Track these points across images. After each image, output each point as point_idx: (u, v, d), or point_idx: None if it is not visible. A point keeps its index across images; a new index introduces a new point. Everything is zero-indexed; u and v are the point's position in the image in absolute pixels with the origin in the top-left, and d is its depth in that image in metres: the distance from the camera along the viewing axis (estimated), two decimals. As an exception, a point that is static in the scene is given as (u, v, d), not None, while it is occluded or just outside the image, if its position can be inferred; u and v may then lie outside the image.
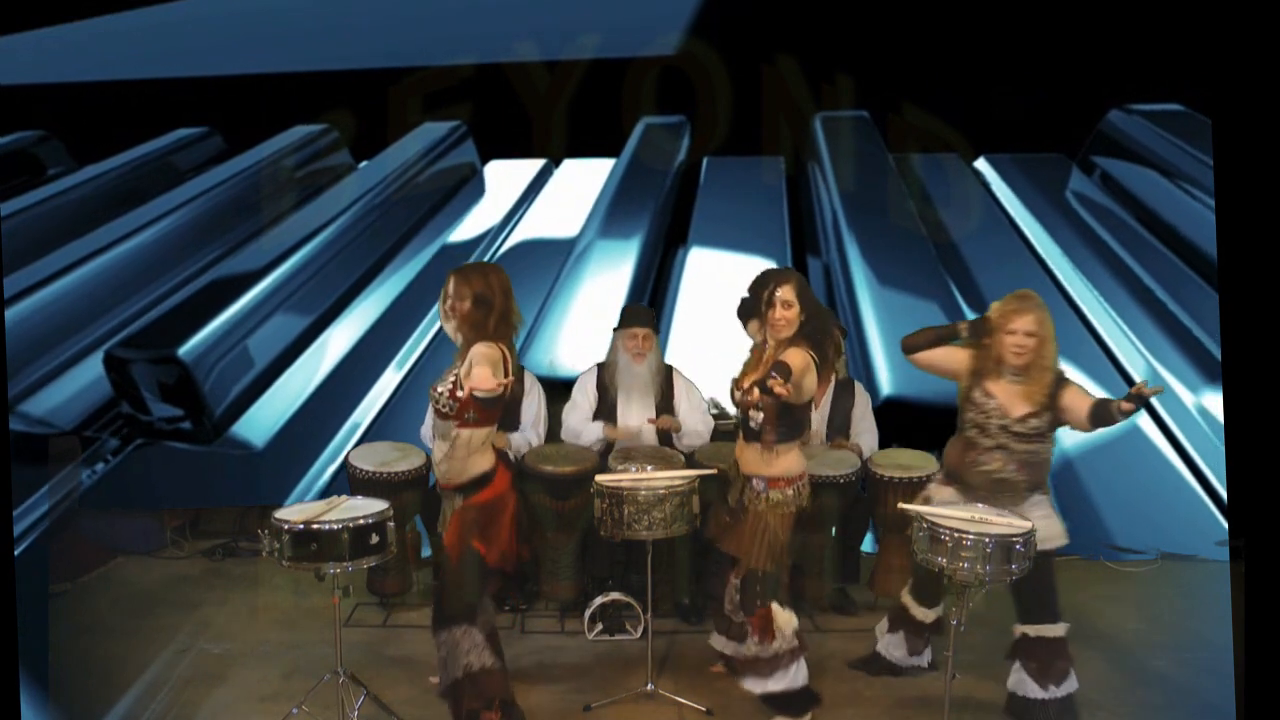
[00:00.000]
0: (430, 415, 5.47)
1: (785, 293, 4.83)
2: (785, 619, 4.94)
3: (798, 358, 4.73)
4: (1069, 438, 7.41)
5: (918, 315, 7.73)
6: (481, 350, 4.62)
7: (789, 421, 4.86)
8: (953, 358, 4.98)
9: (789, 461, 4.91)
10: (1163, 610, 6.36)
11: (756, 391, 4.66)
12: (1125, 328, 8.10)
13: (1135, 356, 7.90)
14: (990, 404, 4.86)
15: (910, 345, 5.01)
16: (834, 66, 7.63)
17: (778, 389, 4.47)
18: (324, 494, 6.90)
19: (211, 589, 6.73)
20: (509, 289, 4.78)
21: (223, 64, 8.47)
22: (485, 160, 9.52)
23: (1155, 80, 7.98)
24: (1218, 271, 4.57)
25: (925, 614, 5.33)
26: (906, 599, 5.41)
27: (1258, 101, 4.59)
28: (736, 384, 5.00)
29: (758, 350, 5.05)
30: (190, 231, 8.89)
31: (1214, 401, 7.39)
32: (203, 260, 8.71)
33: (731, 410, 6.80)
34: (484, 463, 4.78)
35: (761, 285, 4.91)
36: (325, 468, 7.65)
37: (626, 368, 6.25)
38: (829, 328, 5.02)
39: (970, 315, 8.03)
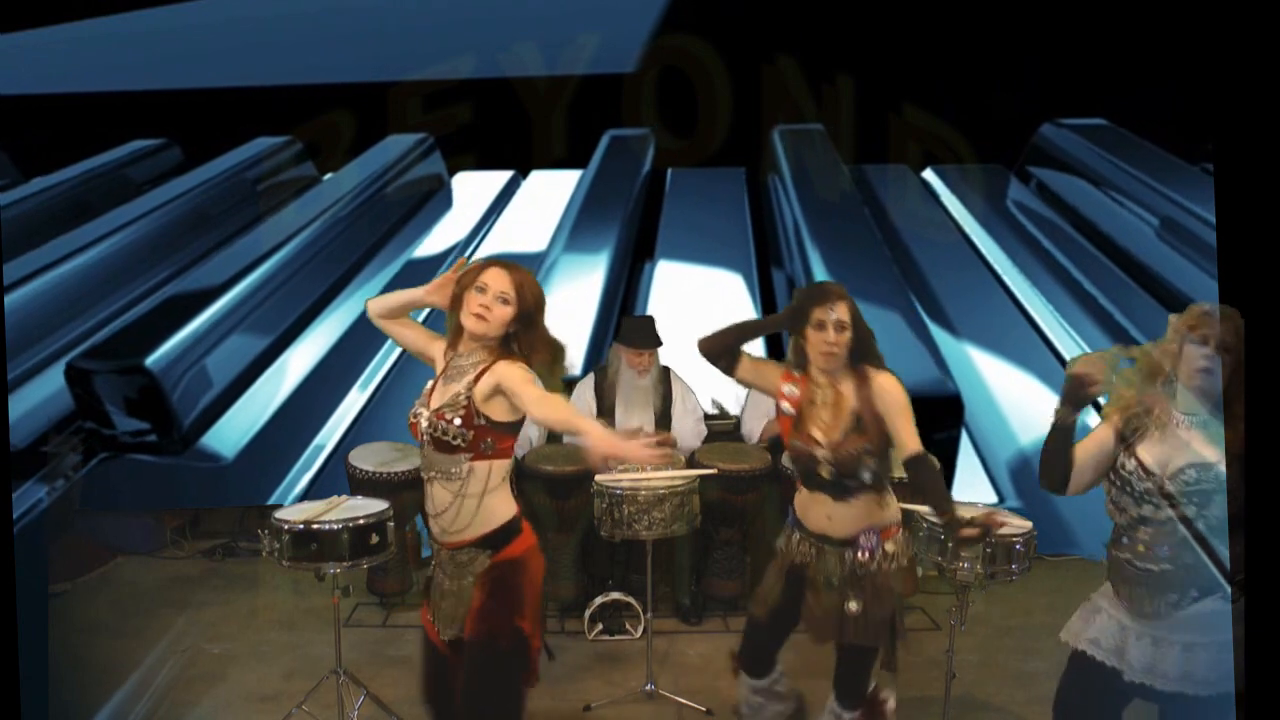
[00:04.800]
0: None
1: (841, 312, 3.79)
2: (891, 694, 4.12)
3: (902, 396, 3.81)
4: (1025, 435, 7.22)
5: (882, 325, 7.52)
6: (522, 374, 3.45)
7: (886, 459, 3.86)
8: (1102, 445, 3.35)
9: (893, 501, 3.95)
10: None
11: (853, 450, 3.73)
12: (1070, 330, 7.94)
13: (1081, 357, 7.73)
14: (1131, 468, 3.26)
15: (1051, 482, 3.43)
16: (833, 67, 7.47)
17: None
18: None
19: (211, 589, 6.41)
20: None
21: (185, 76, 8.06)
22: (453, 173, 9.20)
23: (1084, 95, 7.90)
24: (1217, 271, 4.35)
25: None
26: None
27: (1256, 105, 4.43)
28: (798, 433, 3.83)
29: (803, 380, 3.89)
30: (146, 245, 8.32)
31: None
32: (158, 276, 8.15)
33: (733, 410, 6.54)
34: (506, 507, 3.53)
35: (810, 303, 3.83)
36: (297, 481, 7.21)
37: (630, 381, 5.90)
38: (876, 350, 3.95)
39: (930, 322, 7.86)
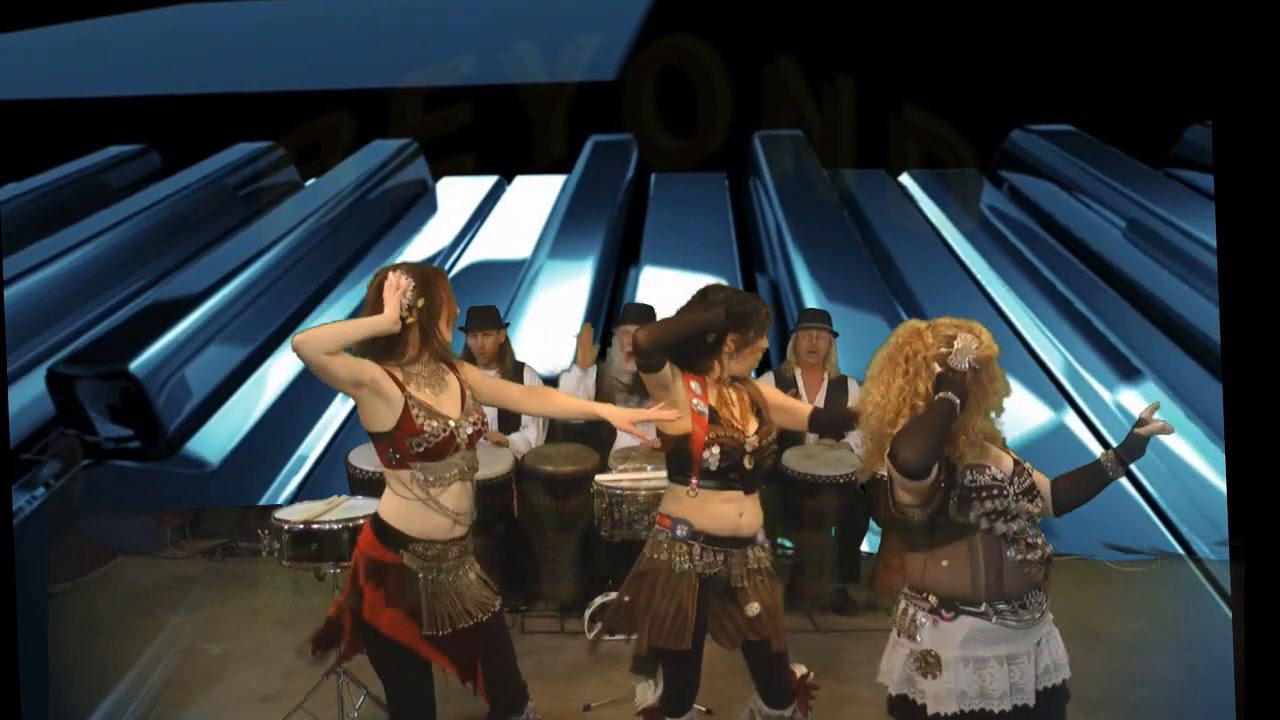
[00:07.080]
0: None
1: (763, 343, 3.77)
2: (800, 665, 3.99)
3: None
4: (1006, 433, 7.22)
5: (866, 329, 7.39)
6: (480, 375, 3.68)
7: None
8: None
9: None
10: (1162, 610, 5.92)
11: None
12: (1046, 331, 7.90)
13: (1057, 357, 7.69)
14: (1000, 476, 3.04)
15: (913, 467, 2.89)
16: (833, 67, 7.32)
17: None
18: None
19: (211, 589, 6.25)
20: None
21: (165, 82, 7.76)
22: (438, 177, 8.99)
23: (1052, 101, 7.89)
24: (1217, 271, 4.23)
25: None
26: None
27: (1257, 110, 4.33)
28: (719, 426, 3.60)
29: (702, 381, 3.71)
30: (125, 251, 8.05)
31: (1130, 399, 7.18)
32: (138, 283, 7.86)
33: None
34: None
35: (758, 332, 3.71)
36: (283, 488, 7.04)
37: (621, 367, 5.82)
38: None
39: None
